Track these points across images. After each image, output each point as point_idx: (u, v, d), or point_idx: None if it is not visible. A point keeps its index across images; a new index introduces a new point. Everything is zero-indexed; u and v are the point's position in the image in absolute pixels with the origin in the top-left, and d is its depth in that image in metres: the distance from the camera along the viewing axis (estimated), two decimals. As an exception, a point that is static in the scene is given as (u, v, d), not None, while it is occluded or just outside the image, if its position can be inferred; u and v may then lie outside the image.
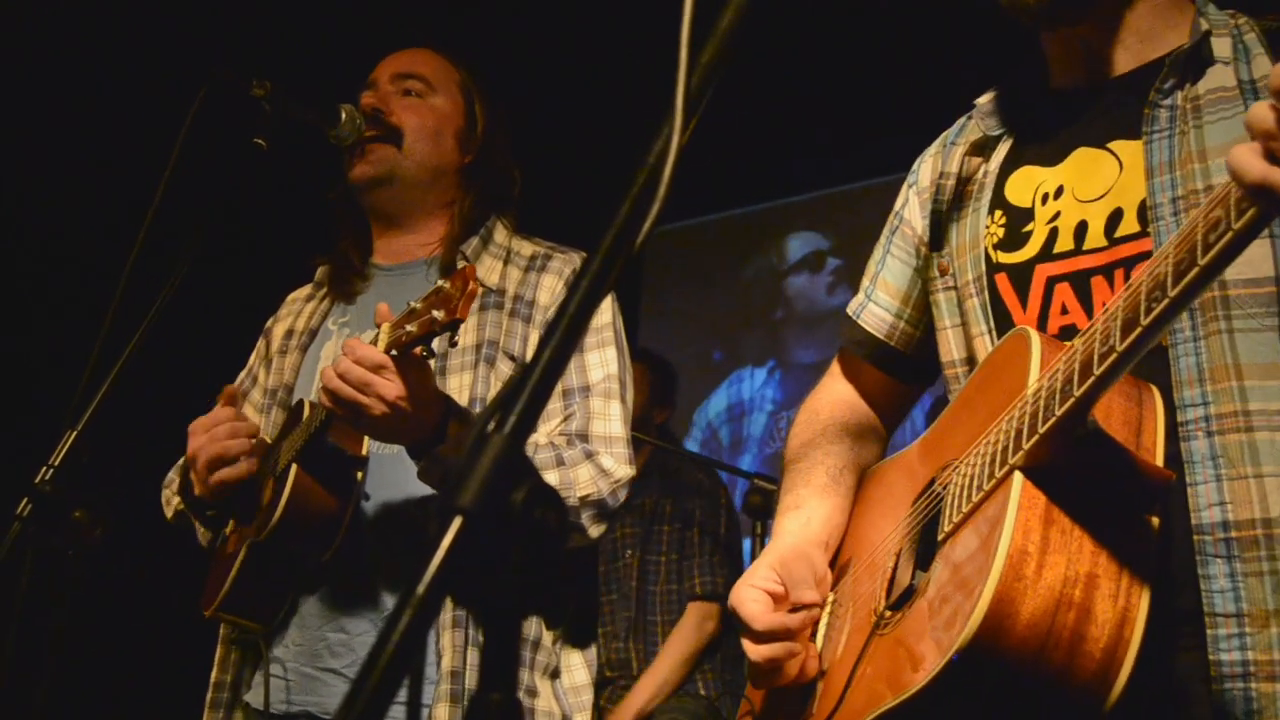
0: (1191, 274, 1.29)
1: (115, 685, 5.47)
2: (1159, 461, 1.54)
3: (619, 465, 2.59)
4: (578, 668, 2.64)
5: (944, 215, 2.07)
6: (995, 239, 1.93)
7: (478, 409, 2.57)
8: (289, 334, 2.92)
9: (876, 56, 6.16)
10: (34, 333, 5.45)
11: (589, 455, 2.57)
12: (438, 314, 2.17)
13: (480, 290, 2.18)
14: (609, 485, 2.56)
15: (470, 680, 2.44)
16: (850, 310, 2.27)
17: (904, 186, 2.23)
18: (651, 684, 4.72)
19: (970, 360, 1.97)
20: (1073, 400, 1.45)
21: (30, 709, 2.49)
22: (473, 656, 2.46)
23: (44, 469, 2.37)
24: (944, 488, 1.75)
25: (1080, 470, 1.52)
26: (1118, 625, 1.44)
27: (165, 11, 5.47)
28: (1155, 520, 1.51)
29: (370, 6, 5.50)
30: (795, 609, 1.93)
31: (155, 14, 5.46)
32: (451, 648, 2.45)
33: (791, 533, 2.07)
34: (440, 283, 2.22)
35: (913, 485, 1.90)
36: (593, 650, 2.68)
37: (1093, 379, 1.42)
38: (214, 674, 2.74)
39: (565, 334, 0.97)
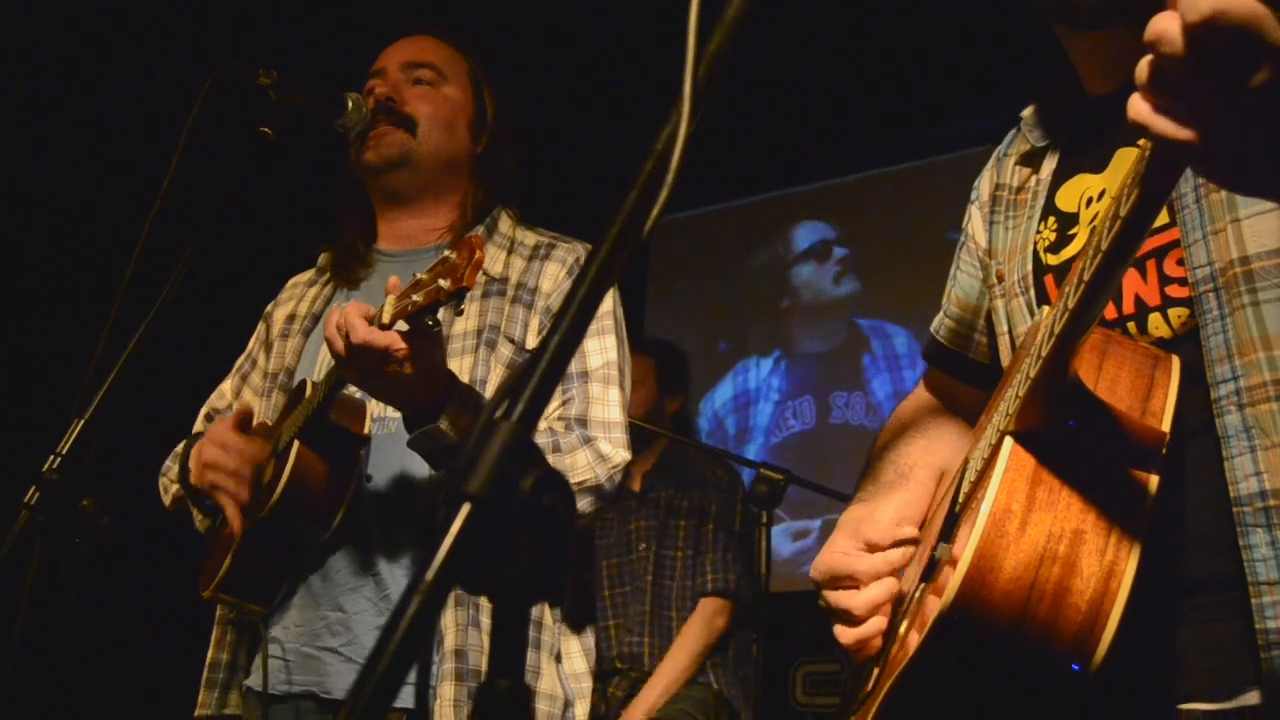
0: (1116, 227, 1.31)
1: (116, 669, 5.48)
2: (1167, 424, 1.55)
3: (616, 450, 2.61)
4: (575, 655, 2.65)
5: (1000, 225, 2.11)
6: (1046, 242, 1.97)
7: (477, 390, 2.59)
8: (291, 318, 2.92)
9: (883, 46, 6.16)
10: (41, 321, 5.47)
11: (586, 441, 2.59)
12: (444, 283, 2.18)
13: (484, 258, 2.18)
14: (606, 471, 2.58)
15: (473, 659, 2.45)
16: (932, 328, 2.32)
17: (969, 204, 2.26)
18: (662, 682, 4.74)
19: None
20: (1042, 360, 1.48)
21: (38, 694, 2.50)
22: (474, 636, 2.47)
23: (51, 457, 2.38)
24: (967, 462, 1.79)
25: (1073, 432, 1.53)
26: (1104, 578, 1.44)
27: (171, 2, 5.48)
28: (1154, 479, 1.51)
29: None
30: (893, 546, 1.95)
31: (161, 4, 5.46)
32: (454, 626, 2.47)
33: (853, 518, 2.08)
34: (447, 253, 2.23)
35: (959, 466, 1.94)
36: (590, 637, 2.70)
37: (1054, 338, 1.45)
38: (210, 654, 2.75)
39: (573, 321, 0.97)
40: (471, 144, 2.89)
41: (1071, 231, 1.93)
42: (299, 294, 2.99)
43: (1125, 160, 1.89)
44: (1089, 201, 1.92)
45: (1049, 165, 2.04)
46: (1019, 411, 1.54)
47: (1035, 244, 1.98)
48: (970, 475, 1.71)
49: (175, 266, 2.51)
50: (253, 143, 2.60)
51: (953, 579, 1.45)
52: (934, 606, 1.52)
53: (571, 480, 2.52)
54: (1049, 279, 1.94)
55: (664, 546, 4.99)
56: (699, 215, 7.74)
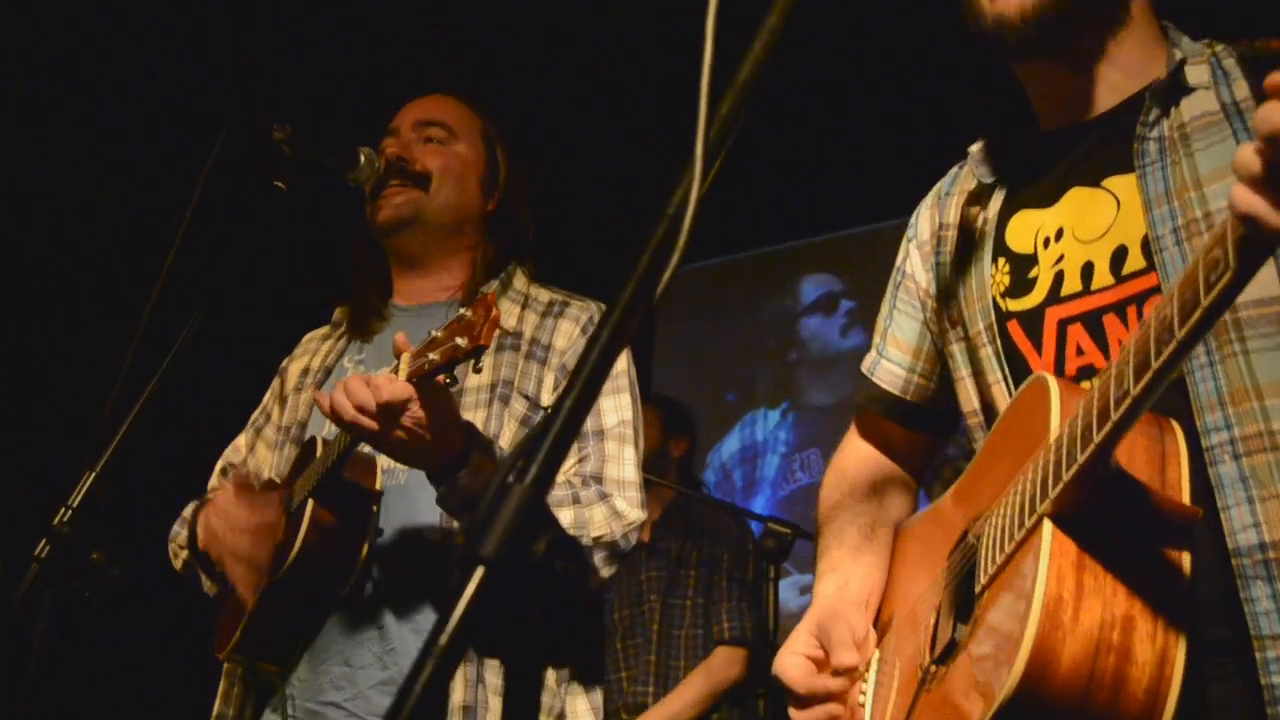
0: (1196, 314, 1.29)
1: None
2: (1185, 496, 1.55)
3: (631, 509, 2.61)
4: (583, 714, 2.63)
5: (948, 267, 2.09)
6: (1002, 287, 1.94)
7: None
8: (304, 372, 2.93)
9: (889, 101, 6.19)
10: (54, 373, 5.48)
11: (603, 497, 2.59)
12: (461, 341, 2.17)
13: (500, 316, 2.18)
14: (622, 527, 2.57)
15: (480, 716, 2.44)
16: (864, 368, 2.29)
17: (904, 241, 2.25)
18: (663, 714, 4.70)
19: (988, 408, 1.98)
20: (1094, 446, 1.46)
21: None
22: (481, 693, 2.46)
23: (62, 510, 2.38)
24: (977, 539, 1.76)
25: (1108, 513, 1.53)
26: (1158, 664, 1.44)
27: (187, 56, 5.53)
28: (1186, 556, 1.51)
29: (388, 51, 5.54)
30: (836, 672, 1.95)
31: (177, 58, 5.51)
32: (462, 682, 2.46)
33: (828, 596, 2.09)
34: (463, 310, 2.22)
35: (947, 538, 1.90)
36: (598, 695, 2.67)
37: (1111, 424, 1.43)
38: (216, 707, 2.73)
39: (586, 384, 0.98)
40: (483, 201, 2.91)
41: (1031, 274, 1.91)
42: (313, 348, 3.00)
43: (1081, 200, 1.88)
44: (1046, 242, 1.90)
45: (996, 203, 2.02)
46: (1059, 495, 1.52)
47: (991, 289, 1.95)
48: (992, 554, 1.67)
49: (188, 320, 2.52)
50: (266, 196, 2.62)
51: (1013, 671, 1.43)
52: (977, 697, 1.52)
53: (589, 535, 2.52)
54: (1012, 325, 1.92)
55: (672, 595, 4.97)
56: (706, 267, 7.75)
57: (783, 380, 7.57)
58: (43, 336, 5.65)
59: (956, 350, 2.05)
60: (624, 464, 2.67)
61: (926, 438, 2.27)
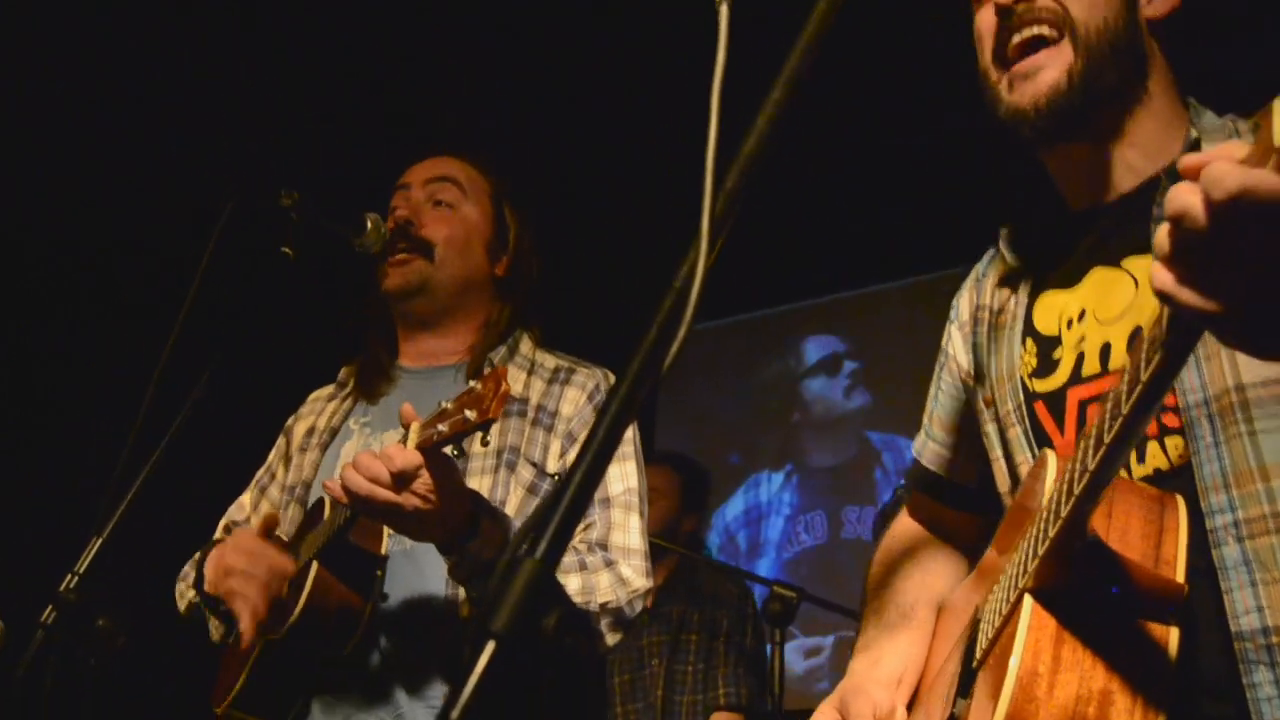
0: (1137, 391, 1.31)
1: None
2: (1180, 572, 1.54)
3: (637, 576, 2.61)
4: None
5: (983, 348, 2.11)
6: (1030, 368, 1.96)
7: None
8: (310, 432, 2.94)
9: (892, 163, 6.24)
10: (61, 439, 5.49)
11: (609, 563, 2.59)
12: (470, 414, 2.19)
13: (510, 389, 2.20)
14: (627, 594, 2.57)
15: None
16: (914, 450, 2.32)
17: (947, 324, 2.28)
18: None
19: (1018, 488, 1.99)
20: (1061, 520, 1.47)
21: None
22: None
23: (69, 576, 2.38)
24: (980, 614, 1.77)
25: (1090, 587, 1.53)
26: None
27: (195, 124, 5.58)
28: (1174, 632, 1.50)
29: (397, 115, 5.59)
30: None
31: (185, 126, 5.57)
32: None
33: (858, 673, 2.09)
34: (472, 383, 2.24)
35: (967, 613, 1.92)
36: None
37: (1074, 499, 1.44)
38: None
39: (595, 458, 0.99)
40: (489, 265, 2.92)
41: (1055, 355, 1.92)
42: (319, 408, 3.01)
43: (1103, 280, 1.90)
44: (1069, 323, 1.92)
45: (1025, 285, 2.05)
46: (1037, 570, 1.53)
47: (1020, 370, 1.97)
48: (987, 629, 1.69)
49: (195, 387, 2.53)
50: (274, 262, 2.64)
51: None
52: None
53: (595, 601, 2.52)
54: (1039, 406, 1.93)
55: (675, 661, 4.96)
56: (710, 328, 7.78)
57: (786, 442, 7.57)
58: (51, 403, 5.67)
59: (990, 431, 2.06)
60: (630, 531, 2.67)
61: (975, 517, 2.27)
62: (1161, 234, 1.19)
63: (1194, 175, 1.14)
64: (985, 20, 1.98)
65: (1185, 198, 1.14)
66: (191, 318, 2.57)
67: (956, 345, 2.22)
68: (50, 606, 2.35)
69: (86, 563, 2.39)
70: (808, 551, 7.23)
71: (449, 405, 2.25)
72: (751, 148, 1.28)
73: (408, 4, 5.44)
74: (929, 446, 2.27)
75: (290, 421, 3.05)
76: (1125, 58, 1.91)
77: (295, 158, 5.42)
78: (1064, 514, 1.47)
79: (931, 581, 2.20)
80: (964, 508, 2.25)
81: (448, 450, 2.24)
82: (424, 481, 2.26)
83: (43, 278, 5.75)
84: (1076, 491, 1.44)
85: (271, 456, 3.05)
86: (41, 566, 2.61)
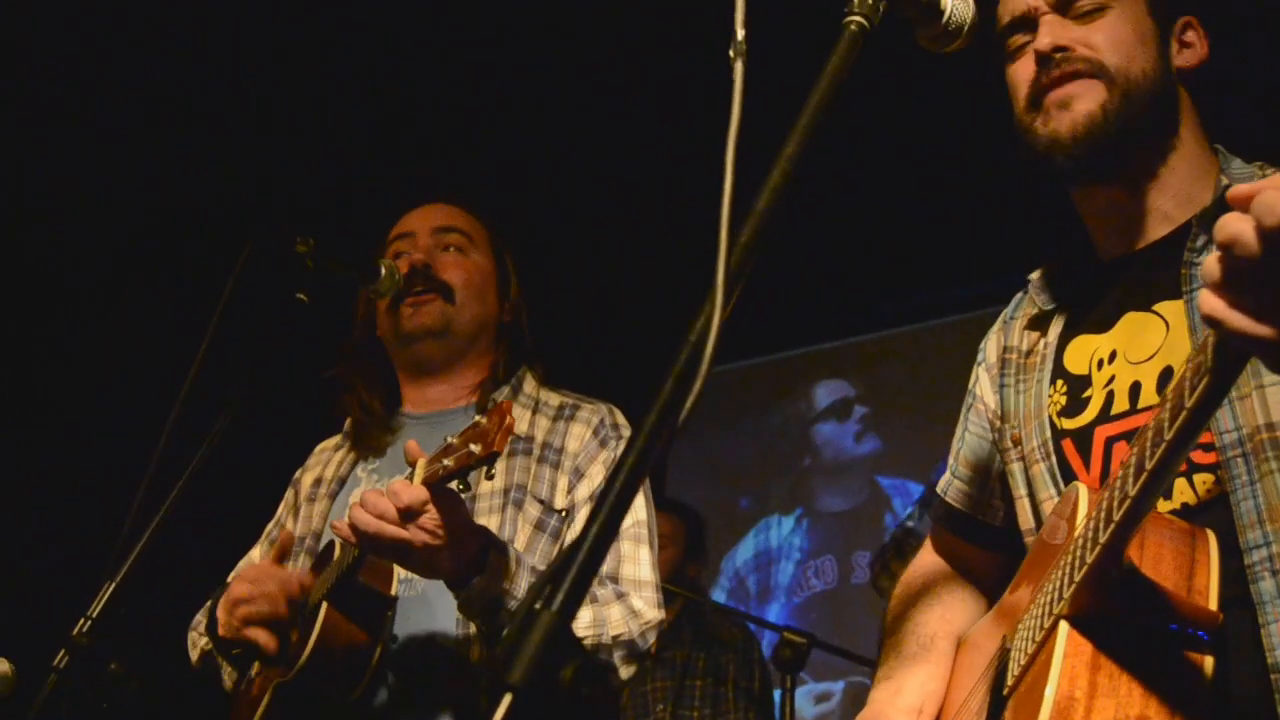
0: (1182, 417, 1.33)
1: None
2: (1214, 602, 1.56)
3: (649, 608, 2.61)
4: None
5: (1011, 390, 2.14)
6: (1058, 406, 1.99)
7: None
8: (318, 482, 2.95)
9: (902, 208, 6.26)
10: (75, 483, 5.50)
11: (620, 596, 2.60)
12: (474, 448, 2.20)
13: (514, 424, 2.20)
14: (639, 626, 2.57)
15: None
16: (939, 488, 2.33)
17: (975, 366, 2.30)
18: None
19: (1041, 526, 2.00)
20: (1100, 547, 1.49)
21: None
22: None
23: (81, 620, 2.39)
24: (1010, 644, 1.79)
25: (1126, 614, 1.54)
26: None
27: (212, 172, 5.62)
28: (1209, 660, 1.52)
29: (408, 166, 5.63)
30: None
31: (202, 174, 5.61)
32: None
33: (879, 701, 2.11)
34: (477, 418, 2.25)
35: (992, 644, 1.93)
36: None
37: (1114, 525, 1.46)
38: None
39: (612, 510, 1.00)
40: (499, 310, 2.95)
41: (1085, 395, 1.95)
42: (325, 459, 3.01)
43: (1134, 324, 1.93)
44: (1100, 363, 1.95)
45: (1056, 328, 2.08)
46: (1073, 596, 1.54)
47: (1048, 409, 2.00)
48: (1019, 657, 1.70)
49: (210, 431, 2.55)
50: (288, 308, 2.66)
51: None
52: None
53: (608, 633, 2.52)
54: (1067, 444, 1.96)
55: (681, 707, 4.94)
56: (720, 373, 7.75)
57: (796, 486, 7.56)
58: (65, 447, 5.68)
59: (1016, 469, 2.09)
60: (640, 564, 2.67)
61: (997, 556, 2.28)
62: (1211, 261, 1.22)
63: (1243, 205, 1.17)
64: (1022, 70, 2.01)
65: (1236, 225, 1.18)
66: (206, 363, 2.58)
67: (984, 386, 2.24)
68: (63, 650, 2.36)
69: (99, 607, 2.40)
70: (818, 596, 7.20)
71: (454, 440, 2.26)
72: (766, 203, 1.29)
73: (423, 57, 5.48)
74: (954, 484, 2.29)
75: (298, 474, 3.06)
76: (1159, 104, 1.96)
77: (312, 201, 5.47)
78: (1103, 540, 1.48)
79: (951, 616, 2.21)
80: (987, 545, 2.26)
81: (454, 485, 2.25)
82: (431, 517, 2.26)
83: (58, 321, 5.78)
84: (1116, 518, 1.46)
85: (280, 509, 3.05)
86: (54, 610, 2.62)
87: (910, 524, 4.92)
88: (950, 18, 1.58)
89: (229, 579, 3.01)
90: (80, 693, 2.34)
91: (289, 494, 3.05)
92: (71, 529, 4.92)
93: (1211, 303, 1.22)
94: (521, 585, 2.39)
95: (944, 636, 2.17)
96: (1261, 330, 1.20)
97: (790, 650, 4.22)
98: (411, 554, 2.31)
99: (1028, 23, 2.00)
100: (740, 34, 1.32)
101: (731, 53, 1.32)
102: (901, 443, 7.20)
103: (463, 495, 2.29)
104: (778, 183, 1.31)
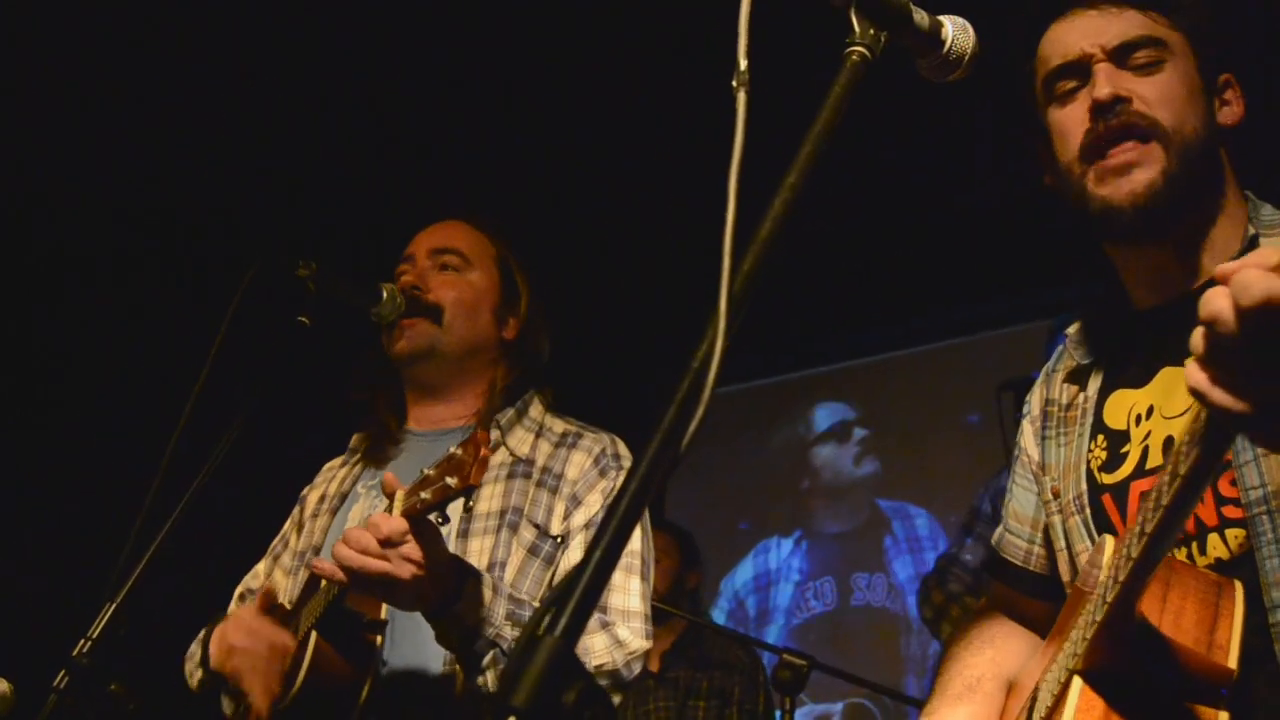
0: (1175, 485, 1.36)
1: None
2: (1234, 657, 1.56)
3: (635, 638, 2.61)
4: None
5: (1052, 441, 2.15)
6: (1099, 461, 2.00)
7: (496, 573, 2.60)
8: (321, 499, 2.96)
9: (902, 232, 6.28)
10: (75, 505, 5.50)
11: (604, 625, 2.59)
12: (451, 480, 2.20)
13: (491, 454, 2.20)
14: (624, 656, 2.57)
15: None
16: (993, 541, 2.33)
17: (1021, 419, 2.30)
18: None
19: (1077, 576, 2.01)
20: (1108, 606, 1.51)
21: None
22: None
23: (82, 641, 2.39)
24: (1039, 693, 1.80)
25: (1139, 669, 1.55)
26: None
27: (214, 195, 5.64)
28: (1223, 715, 1.52)
29: (413, 183, 5.64)
30: None
31: (205, 198, 5.62)
32: None
33: None
34: (453, 449, 2.25)
35: (1029, 691, 1.94)
36: None
37: (1119, 586, 1.48)
38: None
39: (614, 536, 1.01)
40: (497, 329, 2.94)
41: (1124, 450, 1.96)
42: (330, 476, 3.03)
43: (1170, 379, 1.93)
44: (1138, 419, 1.96)
45: (1095, 382, 2.08)
46: (1086, 652, 1.55)
47: (1089, 463, 2.01)
48: (1040, 709, 1.72)
49: (211, 453, 2.55)
50: (290, 331, 2.67)
51: None
52: None
53: (590, 663, 2.51)
54: (1106, 498, 1.96)
55: (682, 727, 4.95)
56: (720, 395, 7.63)
57: (796, 508, 7.56)
58: (67, 468, 5.68)
59: (1056, 522, 2.09)
60: (629, 594, 2.66)
61: (1050, 605, 2.25)
62: (1197, 336, 1.24)
63: (1227, 281, 1.19)
64: (1074, 116, 1.99)
65: (1217, 302, 1.20)
66: (209, 386, 2.59)
67: (1028, 439, 2.24)
68: (63, 671, 2.36)
69: (99, 628, 2.40)
70: (817, 618, 7.20)
71: (431, 472, 2.27)
72: (769, 230, 1.30)
73: (433, 76, 5.50)
74: (1006, 538, 2.29)
75: (305, 491, 3.07)
76: (1208, 164, 1.96)
77: (313, 226, 5.49)
78: (1109, 599, 1.50)
79: (1003, 660, 2.20)
80: (1041, 596, 2.25)
81: (433, 517, 2.25)
82: (412, 548, 2.26)
83: (62, 343, 5.78)
84: (1121, 578, 1.48)
85: (286, 525, 3.06)
86: (54, 631, 2.62)
87: (954, 551, 4.92)
88: (951, 47, 1.58)
89: (235, 594, 3.03)
90: (80, 713, 2.33)
91: (295, 511, 3.06)
92: (72, 549, 4.92)
93: (1196, 377, 1.25)
94: (498, 613, 2.39)
95: (992, 679, 2.16)
96: (1239, 406, 1.21)
97: (790, 672, 4.22)
98: (395, 587, 2.30)
99: (1080, 69, 1.99)
100: (743, 64, 1.33)
101: (735, 83, 1.33)
102: (901, 465, 7.21)
103: (441, 526, 2.29)
104: (780, 211, 1.32)
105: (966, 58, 1.60)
